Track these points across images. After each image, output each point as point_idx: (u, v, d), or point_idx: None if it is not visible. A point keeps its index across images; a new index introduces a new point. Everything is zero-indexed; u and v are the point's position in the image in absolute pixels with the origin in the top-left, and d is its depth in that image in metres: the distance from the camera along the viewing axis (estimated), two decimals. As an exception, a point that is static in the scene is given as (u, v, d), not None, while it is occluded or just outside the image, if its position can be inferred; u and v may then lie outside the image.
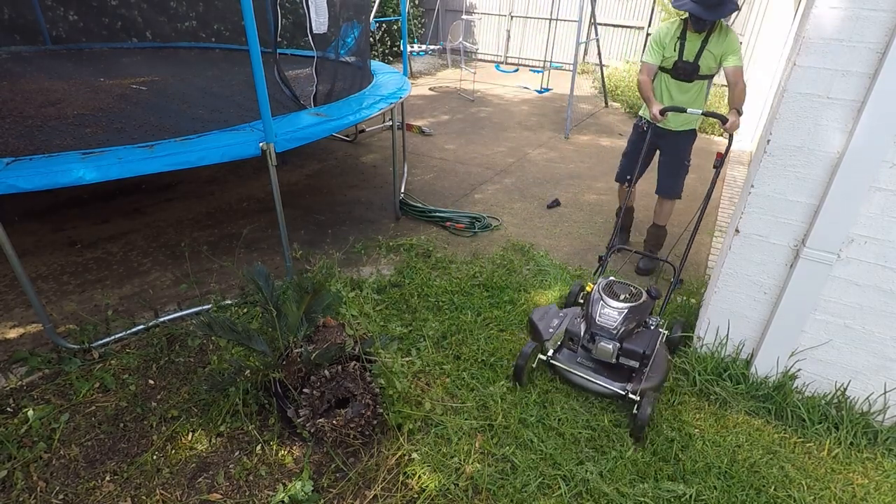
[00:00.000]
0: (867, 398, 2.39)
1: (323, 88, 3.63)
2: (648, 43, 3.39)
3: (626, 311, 2.45)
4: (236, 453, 2.17)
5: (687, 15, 3.08)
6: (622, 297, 2.53)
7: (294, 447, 2.20)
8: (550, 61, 10.44)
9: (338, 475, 2.10)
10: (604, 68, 8.77)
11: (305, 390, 2.14)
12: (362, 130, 6.52)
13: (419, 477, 2.07)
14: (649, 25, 10.39)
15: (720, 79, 3.58)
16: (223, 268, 3.43)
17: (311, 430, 2.12)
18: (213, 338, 2.69)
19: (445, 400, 2.44)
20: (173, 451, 2.15)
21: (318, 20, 3.21)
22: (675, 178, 3.59)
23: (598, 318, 2.47)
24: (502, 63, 12.16)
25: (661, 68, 3.36)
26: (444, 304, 3.15)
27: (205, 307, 2.99)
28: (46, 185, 2.28)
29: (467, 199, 4.82)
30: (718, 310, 2.61)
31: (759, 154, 2.28)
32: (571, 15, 10.70)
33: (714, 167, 3.00)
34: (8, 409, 2.30)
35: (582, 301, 2.92)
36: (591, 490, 2.03)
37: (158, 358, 2.65)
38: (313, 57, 3.45)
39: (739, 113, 3.07)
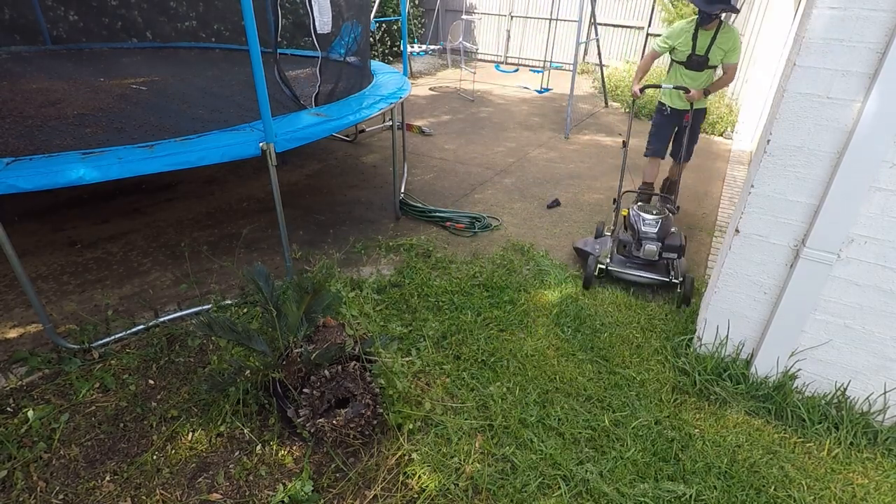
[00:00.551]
0: (867, 398, 2.40)
1: (325, 88, 3.63)
2: (662, 35, 4.03)
3: (661, 220, 3.35)
4: (236, 453, 2.17)
5: (698, 16, 3.68)
6: (654, 212, 3.40)
7: (294, 447, 2.20)
8: (550, 61, 10.44)
9: (338, 475, 2.10)
10: (604, 68, 8.78)
11: (305, 390, 2.14)
12: (362, 130, 6.52)
13: (419, 477, 2.07)
14: (649, 25, 10.39)
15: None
16: (223, 268, 3.43)
17: (311, 430, 2.12)
18: (213, 338, 2.69)
19: (445, 400, 2.44)
20: (173, 451, 2.15)
21: (322, 20, 3.20)
22: (692, 146, 4.34)
23: (643, 226, 3.34)
24: (502, 63, 12.17)
25: (676, 61, 3.98)
26: (444, 304, 3.15)
27: (205, 307, 2.99)
28: (46, 185, 2.28)
29: (467, 199, 4.83)
30: (718, 310, 2.61)
31: (759, 154, 2.28)
32: (571, 15, 10.71)
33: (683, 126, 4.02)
34: (8, 409, 2.30)
35: (608, 233, 3.81)
36: (591, 490, 2.03)
37: (158, 358, 2.65)
38: (314, 57, 3.45)
39: (707, 92, 3.92)
